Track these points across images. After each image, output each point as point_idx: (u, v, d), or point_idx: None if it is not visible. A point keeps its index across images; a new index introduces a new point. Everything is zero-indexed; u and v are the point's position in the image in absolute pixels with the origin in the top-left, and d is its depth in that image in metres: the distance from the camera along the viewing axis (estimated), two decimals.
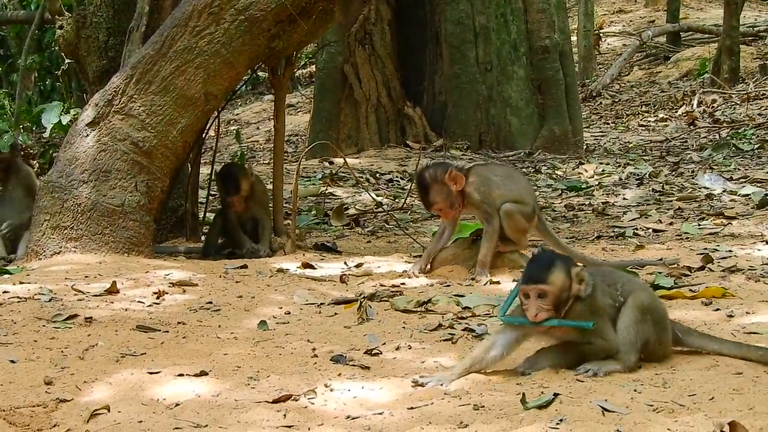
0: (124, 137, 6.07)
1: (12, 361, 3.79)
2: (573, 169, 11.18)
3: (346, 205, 9.02)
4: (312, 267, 6.00)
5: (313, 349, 4.04)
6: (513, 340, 3.66)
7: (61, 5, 7.59)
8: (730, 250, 6.00)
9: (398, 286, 5.44)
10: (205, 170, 7.78)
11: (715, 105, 16.09)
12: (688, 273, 5.41)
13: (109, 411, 3.29)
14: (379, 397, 3.43)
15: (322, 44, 12.77)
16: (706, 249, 6.05)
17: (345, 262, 6.20)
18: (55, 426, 3.25)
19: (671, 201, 8.80)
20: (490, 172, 5.77)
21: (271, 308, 4.90)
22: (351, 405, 3.35)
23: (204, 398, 3.44)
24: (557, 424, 2.97)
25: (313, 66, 18.68)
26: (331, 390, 3.48)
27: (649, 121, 15.94)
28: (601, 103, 18.07)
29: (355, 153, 12.50)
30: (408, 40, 13.03)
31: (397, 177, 10.89)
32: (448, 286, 5.38)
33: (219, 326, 4.51)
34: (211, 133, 7.41)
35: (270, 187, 7.14)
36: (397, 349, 4.08)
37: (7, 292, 4.98)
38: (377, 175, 10.92)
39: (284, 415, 3.23)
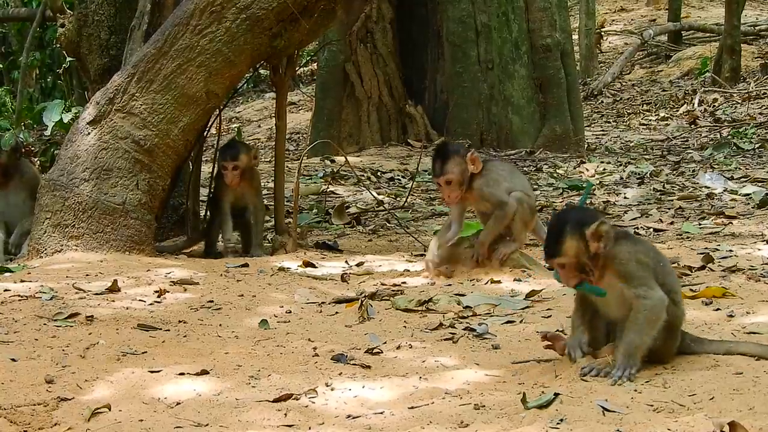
0: (126, 135, 6.07)
1: (13, 360, 3.79)
2: (574, 168, 11.17)
3: (347, 204, 9.02)
4: (313, 266, 6.00)
5: (314, 348, 4.05)
6: None
7: (62, 3, 7.59)
8: (731, 250, 6.00)
9: (399, 285, 5.44)
10: (206, 168, 7.78)
11: (716, 104, 16.08)
12: (689, 272, 5.40)
13: (110, 410, 3.29)
14: (379, 396, 3.43)
15: (323, 42, 12.77)
16: (706, 248, 6.04)
17: (346, 261, 6.20)
18: (56, 425, 3.25)
19: (672, 200, 8.80)
20: (498, 167, 5.84)
21: (272, 307, 4.90)
22: (352, 404, 3.35)
23: (205, 397, 3.45)
24: (558, 423, 2.97)
25: (315, 64, 18.68)
26: (332, 389, 3.49)
27: (650, 120, 15.93)
28: (602, 101, 18.06)
29: (356, 151, 12.50)
30: (410, 38, 13.04)
31: (398, 175, 10.89)
32: (449, 285, 5.39)
33: (220, 325, 4.52)
34: (213, 131, 7.41)
35: (271, 185, 7.13)
36: (398, 348, 4.08)
37: (8, 290, 4.98)
38: (378, 173, 10.92)
39: (285, 414, 3.24)
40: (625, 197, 9.20)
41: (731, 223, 7.37)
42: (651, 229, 7.43)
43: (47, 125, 8.75)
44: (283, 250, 6.47)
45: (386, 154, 12.27)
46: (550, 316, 4.64)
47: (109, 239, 5.98)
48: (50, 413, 3.32)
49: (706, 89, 17.04)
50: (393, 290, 5.29)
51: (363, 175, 10.41)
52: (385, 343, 4.17)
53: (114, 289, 5.03)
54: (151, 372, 3.68)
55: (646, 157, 12.03)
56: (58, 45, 7.95)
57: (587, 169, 10.99)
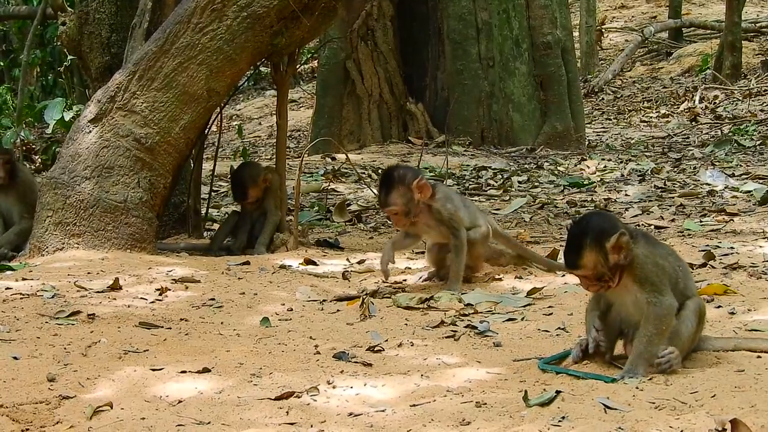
0: (127, 134, 6.07)
1: (15, 358, 3.79)
2: (575, 165, 11.17)
3: (348, 202, 9.02)
4: (314, 263, 6.00)
5: (316, 346, 4.05)
6: None
7: (63, 1, 7.59)
8: (732, 247, 5.99)
9: (401, 282, 5.44)
10: (207, 166, 7.78)
11: (716, 101, 16.08)
12: (690, 270, 5.40)
13: (111, 408, 3.29)
14: (381, 394, 3.43)
15: (324, 40, 12.78)
16: (707, 246, 6.04)
17: (347, 259, 6.20)
18: (57, 423, 3.25)
19: (673, 197, 8.80)
20: (451, 193, 5.59)
21: (273, 305, 4.90)
22: (353, 402, 3.35)
23: (207, 395, 3.45)
24: (559, 421, 2.97)
25: (316, 62, 18.68)
26: (334, 387, 3.49)
27: (651, 117, 15.94)
28: (603, 99, 18.06)
29: (357, 149, 12.50)
30: (410, 36, 13.04)
31: None
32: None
33: (221, 323, 4.52)
34: (214, 129, 7.41)
35: None
36: (400, 346, 4.09)
37: (9, 288, 4.98)
38: (379, 171, 10.91)
39: (287, 412, 3.24)
40: (626, 194, 9.20)
41: (732, 220, 7.37)
42: (652, 227, 7.42)
43: (48, 123, 8.77)
44: (285, 247, 6.48)
45: (387, 151, 12.26)
46: (552, 313, 4.64)
47: (110, 237, 5.98)
48: (52, 411, 3.32)
49: (707, 86, 17.05)
50: (394, 288, 5.29)
51: (364, 173, 10.41)
52: (387, 340, 4.17)
53: (115, 287, 5.03)
54: (153, 370, 3.68)
55: (647, 154, 12.03)
56: (59, 43, 7.94)
57: (588, 167, 11.00)
